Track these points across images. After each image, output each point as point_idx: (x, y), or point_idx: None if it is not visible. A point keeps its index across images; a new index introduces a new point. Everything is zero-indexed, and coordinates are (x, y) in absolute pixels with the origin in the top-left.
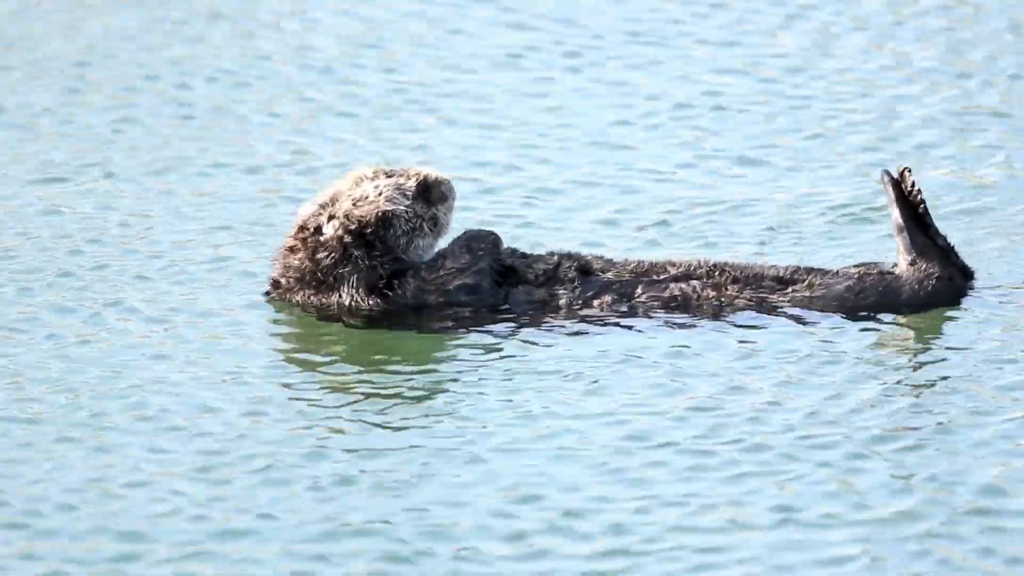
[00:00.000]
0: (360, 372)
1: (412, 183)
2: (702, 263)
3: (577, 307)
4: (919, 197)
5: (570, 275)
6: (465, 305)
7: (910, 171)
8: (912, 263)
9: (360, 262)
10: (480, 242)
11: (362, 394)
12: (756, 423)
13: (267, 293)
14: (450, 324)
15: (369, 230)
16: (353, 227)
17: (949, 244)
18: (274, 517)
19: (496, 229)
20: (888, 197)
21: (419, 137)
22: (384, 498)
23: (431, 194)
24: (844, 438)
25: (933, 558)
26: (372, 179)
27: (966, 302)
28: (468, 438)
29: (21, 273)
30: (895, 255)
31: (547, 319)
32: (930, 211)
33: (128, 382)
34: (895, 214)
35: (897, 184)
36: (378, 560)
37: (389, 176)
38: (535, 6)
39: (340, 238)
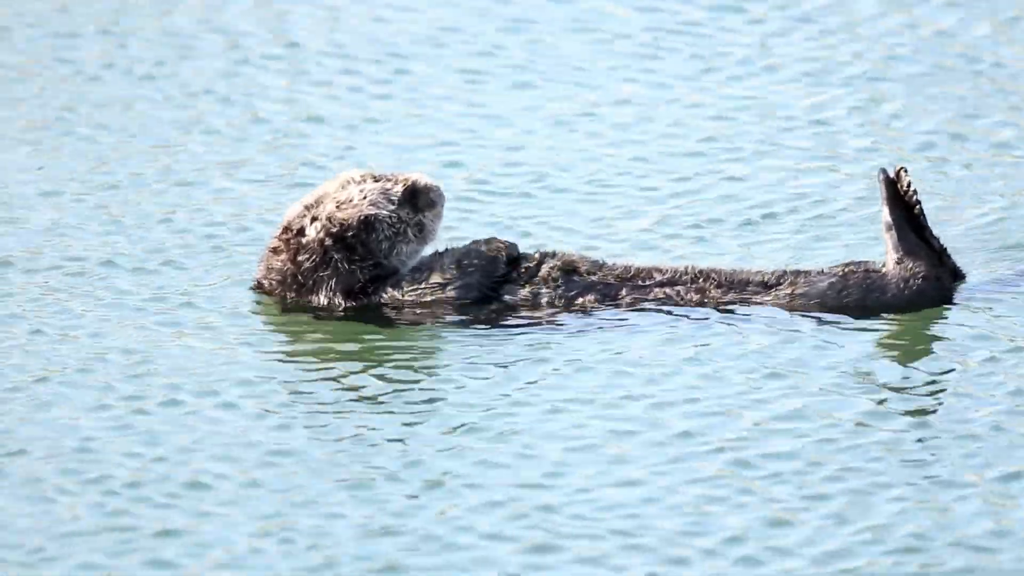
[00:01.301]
0: (334, 371)
1: (399, 188)
2: (688, 270)
3: (559, 306)
4: (915, 198)
5: (553, 275)
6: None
7: (906, 171)
8: (899, 261)
9: (340, 265)
10: (474, 258)
11: (338, 394)
12: (731, 420)
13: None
14: (429, 321)
15: (350, 233)
16: (335, 230)
17: (943, 246)
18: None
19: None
20: (881, 196)
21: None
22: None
23: (419, 200)
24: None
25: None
26: (359, 182)
27: (954, 303)
28: (459, 430)
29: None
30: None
31: (528, 317)
32: (926, 212)
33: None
34: (885, 212)
35: (892, 184)
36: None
37: (377, 180)
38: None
39: (321, 240)
